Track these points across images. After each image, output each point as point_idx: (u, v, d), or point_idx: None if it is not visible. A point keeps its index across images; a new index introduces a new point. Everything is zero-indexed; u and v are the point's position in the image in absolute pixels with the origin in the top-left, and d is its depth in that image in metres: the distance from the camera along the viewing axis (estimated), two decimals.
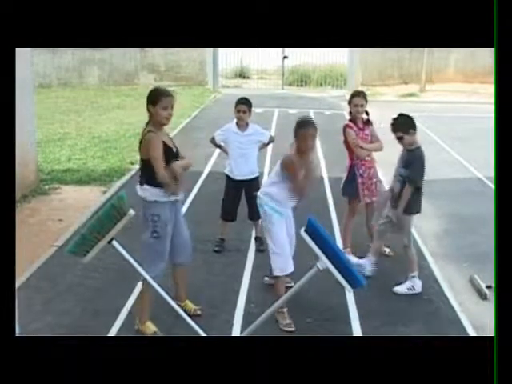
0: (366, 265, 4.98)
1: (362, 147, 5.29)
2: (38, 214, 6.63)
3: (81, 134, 10.89)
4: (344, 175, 5.51)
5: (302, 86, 20.37)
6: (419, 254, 5.29)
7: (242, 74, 21.94)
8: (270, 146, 6.26)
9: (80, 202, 6.98)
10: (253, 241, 5.76)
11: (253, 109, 5.58)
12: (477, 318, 4.46)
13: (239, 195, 5.65)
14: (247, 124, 5.55)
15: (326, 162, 9.12)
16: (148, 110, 4.05)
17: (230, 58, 20.62)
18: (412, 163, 4.72)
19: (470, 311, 4.59)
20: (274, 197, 4.33)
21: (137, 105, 4.68)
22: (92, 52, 17.83)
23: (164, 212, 4.09)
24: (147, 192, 4.04)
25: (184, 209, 6.66)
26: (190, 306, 4.49)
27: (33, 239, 5.74)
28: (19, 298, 2.84)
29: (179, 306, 4.28)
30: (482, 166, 8.76)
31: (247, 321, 4.20)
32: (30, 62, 7.35)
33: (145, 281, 4.01)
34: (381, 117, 7.42)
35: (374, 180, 5.49)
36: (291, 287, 3.99)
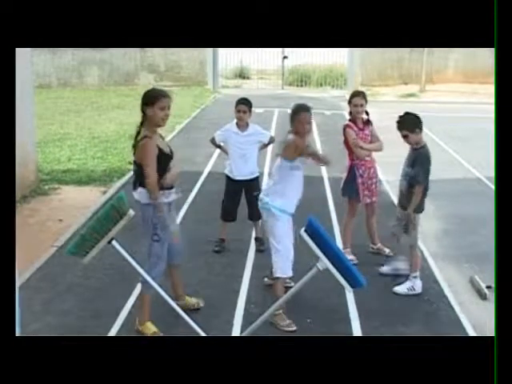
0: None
1: (361, 147, 5.29)
2: (37, 214, 6.63)
3: (81, 135, 10.90)
4: (344, 175, 5.51)
5: (302, 86, 20.37)
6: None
7: (242, 74, 21.95)
8: (270, 147, 6.26)
9: (80, 203, 6.98)
10: (253, 241, 5.76)
11: (253, 109, 5.58)
12: (477, 318, 4.46)
13: (239, 195, 5.65)
14: (247, 124, 5.55)
15: None
16: (143, 112, 4.00)
17: (230, 58, 20.63)
18: (417, 162, 4.73)
19: (470, 311, 4.59)
20: (278, 196, 4.32)
21: (137, 105, 4.69)
22: (92, 52, 17.83)
23: (165, 214, 4.08)
24: (144, 195, 4.01)
25: (184, 209, 6.67)
26: (191, 301, 4.52)
27: (33, 239, 5.74)
28: (19, 298, 2.84)
29: (180, 304, 4.30)
30: (482, 166, 8.76)
31: (247, 321, 4.20)
32: (30, 62, 7.35)
33: (144, 282, 4.01)
34: (381, 116, 7.42)
35: (374, 180, 5.49)
36: (291, 287, 3.99)
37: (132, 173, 4.30)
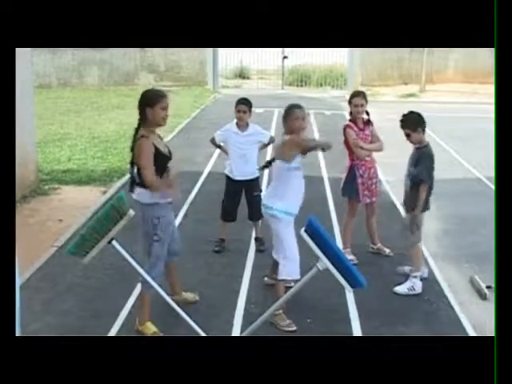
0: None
1: (362, 147, 5.29)
2: (37, 214, 6.63)
3: (81, 135, 10.90)
4: (344, 175, 5.51)
5: (302, 86, 20.37)
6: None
7: (242, 74, 21.94)
8: (270, 147, 6.25)
9: (80, 203, 6.98)
10: (253, 241, 5.76)
11: (253, 109, 5.58)
12: (477, 318, 4.46)
13: (239, 196, 5.65)
14: (247, 124, 5.55)
15: (326, 162, 9.12)
16: (143, 113, 4.01)
17: (230, 58, 20.63)
18: (420, 161, 4.75)
19: (470, 311, 4.59)
20: (278, 198, 4.30)
21: (137, 105, 4.73)
22: (92, 52, 17.83)
23: (164, 213, 4.09)
24: (145, 195, 4.02)
25: (184, 209, 6.67)
26: (188, 295, 4.57)
27: (33, 239, 5.74)
28: (19, 298, 2.84)
29: (177, 299, 4.31)
30: (482, 166, 8.76)
31: (247, 321, 4.20)
32: (30, 61, 7.36)
33: (144, 282, 4.01)
34: (381, 117, 7.41)
35: (374, 180, 5.49)
36: (291, 287, 3.99)
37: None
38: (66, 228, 6.12)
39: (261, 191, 5.76)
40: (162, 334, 4.07)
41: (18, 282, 2.73)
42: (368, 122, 5.46)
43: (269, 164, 4.51)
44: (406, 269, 5.17)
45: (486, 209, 6.60)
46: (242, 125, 5.53)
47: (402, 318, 4.45)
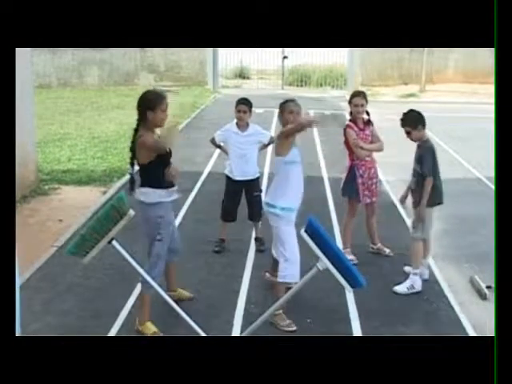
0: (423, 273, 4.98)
1: (362, 147, 5.29)
2: (37, 214, 6.63)
3: (81, 135, 10.90)
4: (344, 175, 5.50)
5: (302, 86, 20.37)
6: None
7: (242, 75, 21.95)
8: (270, 147, 6.25)
9: (80, 203, 6.98)
10: (253, 241, 5.76)
11: (253, 109, 5.58)
12: (477, 318, 4.46)
13: (239, 196, 5.65)
14: (247, 124, 5.55)
15: (326, 162, 9.13)
16: (143, 114, 4.02)
17: (230, 58, 20.63)
18: (423, 156, 4.79)
19: (470, 311, 4.59)
20: (279, 196, 4.28)
21: (136, 105, 4.74)
22: (92, 52, 17.83)
23: (167, 213, 4.12)
24: (149, 195, 4.03)
25: (184, 209, 6.67)
26: (184, 293, 4.60)
27: (33, 239, 5.74)
28: (19, 298, 2.84)
29: (173, 295, 4.33)
30: (482, 166, 8.76)
31: (247, 321, 4.20)
32: (30, 62, 7.35)
33: (144, 282, 4.01)
34: (381, 117, 7.42)
35: (375, 180, 5.49)
36: (291, 287, 3.99)
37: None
38: (65, 228, 6.11)
39: (261, 191, 5.77)
40: (161, 334, 4.07)
41: (18, 282, 2.73)
42: (368, 122, 5.46)
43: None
44: (407, 269, 5.18)
45: (486, 209, 6.60)
46: (242, 125, 5.53)
47: (402, 318, 4.45)
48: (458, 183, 8.15)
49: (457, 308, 4.61)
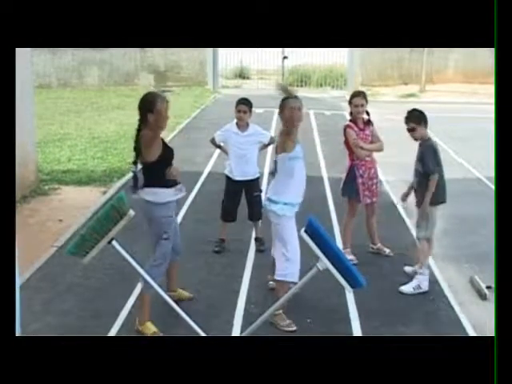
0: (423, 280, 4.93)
1: (362, 148, 5.29)
2: (37, 214, 6.63)
3: (81, 135, 10.90)
4: (344, 175, 5.50)
5: (302, 86, 20.35)
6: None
7: (242, 75, 21.94)
8: (271, 147, 6.26)
9: (80, 203, 6.98)
10: (253, 241, 5.76)
11: (253, 109, 5.58)
12: (477, 318, 4.46)
13: (239, 196, 5.65)
14: (247, 124, 5.55)
15: (326, 162, 9.13)
16: (144, 117, 4.03)
17: (230, 58, 20.62)
18: (425, 154, 4.81)
19: (470, 311, 4.59)
20: (281, 192, 4.26)
21: (137, 106, 4.72)
22: (92, 52, 17.82)
23: (172, 212, 4.17)
24: (158, 195, 4.06)
25: (184, 209, 6.67)
26: (184, 293, 4.61)
27: (33, 239, 5.74)
28: (19, 298, 2.84)
29: (172, 295, 4.33)
30: (482, 166, 8.76)
31: (247, 321, 4.20)
32: (30, 61, 7.35)
33: (144, 282, 4.02)
34: (381, 117, 7.42)
35: (375, 180, 5.49)
36: (290, 288, 3.98)
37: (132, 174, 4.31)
38: (66, 228, 6.11)
39: (261, 191, 5.77)
40: (161, 334, 4.07)
41: (18, 282, 2.74)
42: (368, 122, 5.46)
43: (275, 171, 4.50)
44: (407, 269, 5.18)
45: (486, 209, 6.60)
46: (242, 125, 5.53)
47: (402, 318, 4.45)
48: (458, 183, 8.14)
49: (457, 308, 4.61)
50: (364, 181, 5.38)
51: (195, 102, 15.39)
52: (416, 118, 4.84)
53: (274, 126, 11.58)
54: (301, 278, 3.54)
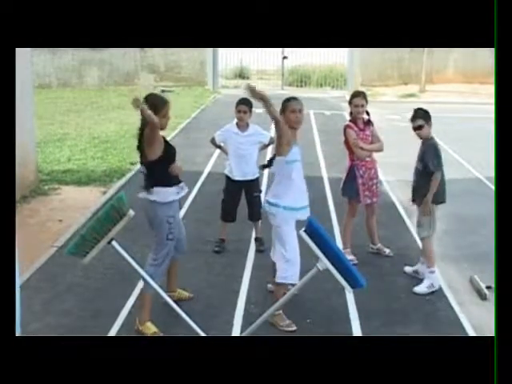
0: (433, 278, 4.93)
1: (362, 148, 5.29)
2: (37, 214, 6.63)
3: (81, 135, 10.90)
4: (344, 175, 5.50)
5: (301, 86, 20.36)
6: (419, 254, 5.28)
7: (242, 75, 21.92)
8: (271, 147, 6.25)
9: (80, 203, 6.97)
10: (253, 241, 5.76)
11: (253, 109, 5.58)
12: (477, 318, 4.46)
13: (239, 196, 5.64)
14: (247, 124, 5.55)
15: (326, 162, 9.12)
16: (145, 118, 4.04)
17: (230, 58, 20.62)
18: (428, 152, 4.82)
19: (470, 311, 4.59)
20: (281, 195, 4.24)
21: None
22: (92, 52, 17.81)
23: (176, 211, 4.19)
24: (162, 194, 4.05)
25: (184, 209, 6.67)
26: (184, 293, 4.61)
27: (33, 240, 5.73)
28: (19, 298, 2.84)
29: (172, 295, 4.33)
30: (482, 166, 8.76)
31: (247, 321, 4.20)
32: (30, 62, 7.35)
33: (144, 282, 4.02)
34: (381, 117, 7.42)
35: (375, 181, 5.49)
36: (289, 288, 3.99)
37: (132, 174, 4.31)
38: (66, 228, 6.11)
39: (261, 191, 5.77)
40: (162, 334, 4.07)
41: (18, 281, 2.73)
42: (368, 123, 5.46)
43: (269, 163, 4.49)
44: (407, 269, 5.18)
45: (486, 209, 6.59)
46: (243, 125, 5.53)
47: (402, 318, 4.45)
48: (458, 183, 8.14)
49: (457, 308, 4.61)
50: (364, 181, 5.37)
51: (195, 102, 15.39)
52: (424, 116, 4.86)
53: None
54: (301, 278, 3.53)
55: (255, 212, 5.62)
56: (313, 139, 10.94)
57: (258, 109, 4.99)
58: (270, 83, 20.63)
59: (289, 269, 4.24)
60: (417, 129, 4.85)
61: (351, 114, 5.45)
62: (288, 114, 4.28)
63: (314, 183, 7.28)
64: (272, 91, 18.56)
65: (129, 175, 8.09)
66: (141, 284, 4.26)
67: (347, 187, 5.46)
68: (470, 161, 9.31)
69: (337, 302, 4.64)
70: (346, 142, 5.38)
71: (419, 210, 4.94)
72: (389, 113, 13.63)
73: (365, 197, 5.41)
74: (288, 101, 4.36)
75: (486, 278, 4.95)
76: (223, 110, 12.62)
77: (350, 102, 5.41)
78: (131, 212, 3.67)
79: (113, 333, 4.13)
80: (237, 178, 5.55)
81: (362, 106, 5.33)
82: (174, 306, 3.91)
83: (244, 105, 5.46)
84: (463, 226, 6.51)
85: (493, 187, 7.60)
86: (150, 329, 4.10)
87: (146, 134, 4.00)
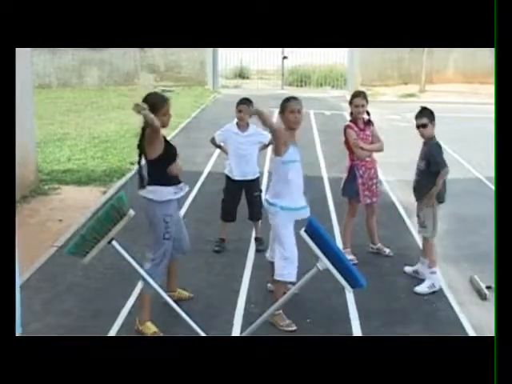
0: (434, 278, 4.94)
1: (362, 148, 5.29)
2: (37, 214, 6.63)
3: (81, 135, 10.90)
4: (344, 175, 5.50)
5: (301, 86, 20.36)
6: (419, 254, 5.28)
7: (242, 75, 21.93)
8: (270, 147, 6.25)
9: (80, 203, 6.97)
10: (253, 241, 5.76)
11: None
12: (477, 318, 4.46)
13: (239, 196, 5.65)
14: (247, 124, 5.55)
15: (326, 162, 9.12)
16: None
17: (230, 58, 20.62)
18: (431, 151, 4.83)
19: (470, 311, 4.58)
20: (280, 196, 4.25)
21: None
22: (92, 52, 17.82)
23: (175, 211, 4.17)
24: (158, 193, 4.05)
25: (184, 209, 6.67)
26: (184, 293, 4.61)
27: (33, 239, 5.73)
28: (19, 298, 2.84)
29: (172, 295, 4.33)
30: (482, 166, 8.76)
31: (247, 321, 4.20)
32: (30, 61, 7.35)
33: (144, 282, 4.02)
34: (381, 117, 7.41)
35: (375, 181, 5.49)
36: (289, 288, 3.98)
37: (132, 173, 4.32)
38: (66, 228, 6.11)
39: (261, 191, 5.77)
40: (162, 334, 4.07)
41: (18, 282, 2.74)
42: (368, 123, 5.46)
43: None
44: (407, 269, 5.18)
45: (486, 209, 6.59)
46: (243, 125, 5.53)
47: (402, 318, 4.45)
48: (458, 183, 8.14)
49: (457, 308, 4.61)
50: (364, 181, 5.37)
51: (195, 101, 15.39)
52: (429, 115, 4.87)
53: None
54: (301, 278, 3.53)
55: (255, 212, 5.62)
56: (313, 139, 10.94)
57: None
58: (269, 83, 20.64)
59: (287, 266, 4.24)
60: (420, 127, 4.85)
61: (351, 114, 5.45)
62: (287, 115, 4.26)
63: (313, 183, 7.30)
64: (272, 91, 18.64)
65: (129, 175, 8.09)
66: (141, 284, 4.26)
67: (347, 187, 5.46)
68: (470, 161, 9.31)
69: (337, 302, 4.64)
70: (346, 142, 5.38)
71: (422, 210, 4.91)
72: (389, 113, 13.64)
73: (365, 197, 5.41)
74: (287, 101, 4.34)
75: (486, 277, 4.95)
76: (223, 110, 12.62)
77: (351, 102, 5.41)
78: (131, 212, 3.67)
79: (113, 333, 4.13)
80: (237, 178, 5.55)
81: (363, 106, 5.33)
82: (174, 305, 3.91)
83: (245, 105, 5.46)
84: (463, 226, 6.51)
85: (493, 187, 7.60)
86: (150, 329, 4.10)
87: (147, 134, 4.01)
